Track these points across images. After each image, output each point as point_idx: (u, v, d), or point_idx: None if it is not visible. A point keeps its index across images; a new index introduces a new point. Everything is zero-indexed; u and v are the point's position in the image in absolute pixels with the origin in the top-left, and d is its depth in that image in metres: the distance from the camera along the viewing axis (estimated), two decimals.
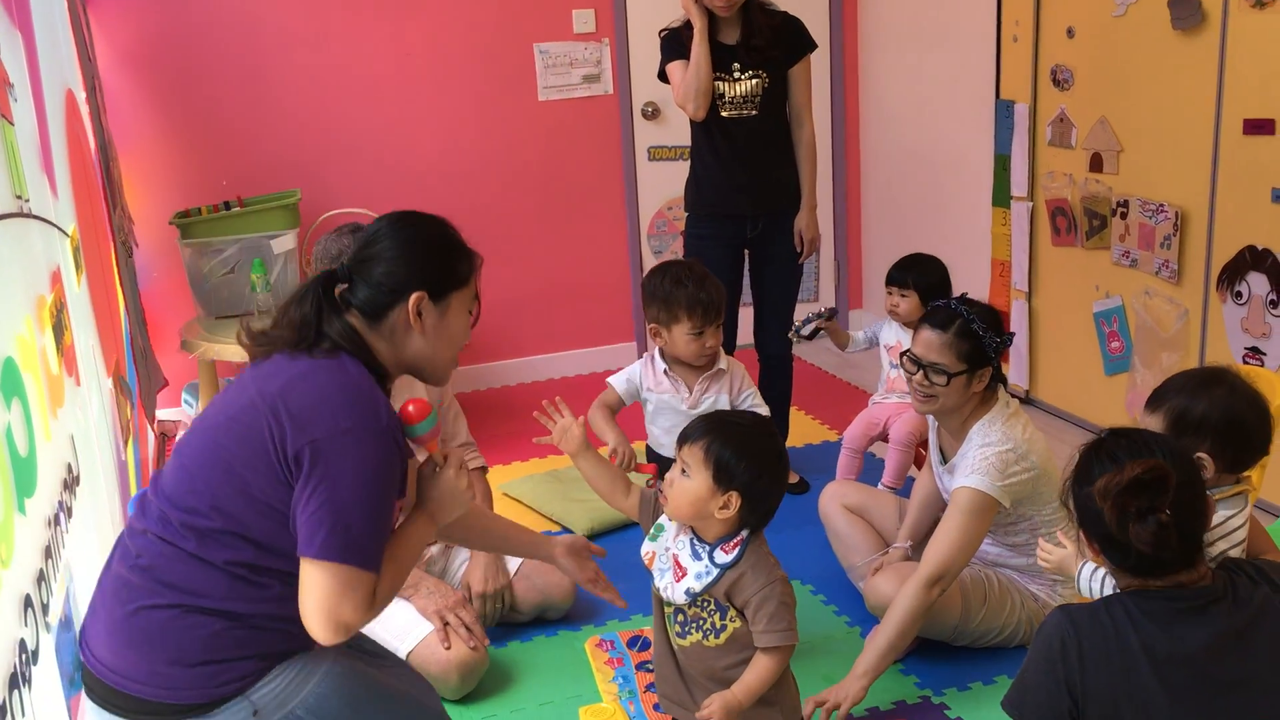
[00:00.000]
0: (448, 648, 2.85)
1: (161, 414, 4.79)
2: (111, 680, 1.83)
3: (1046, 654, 1.86)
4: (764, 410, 3.12)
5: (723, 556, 2.21)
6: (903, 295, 3.68)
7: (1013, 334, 2.91)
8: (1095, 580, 2.16)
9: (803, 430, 4.54)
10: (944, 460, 2.98)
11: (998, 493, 2.73)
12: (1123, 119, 4.02)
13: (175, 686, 1.83)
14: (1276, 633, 1.84)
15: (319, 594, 1.79)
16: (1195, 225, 3.77)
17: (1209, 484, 2.18)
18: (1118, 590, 1.92)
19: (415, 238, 2.03)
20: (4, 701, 1.57)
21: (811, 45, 3.85)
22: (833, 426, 4.57)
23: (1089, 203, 4.20)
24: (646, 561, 2.31)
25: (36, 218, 2.37)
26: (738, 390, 3.18)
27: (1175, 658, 1.80)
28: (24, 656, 1.66)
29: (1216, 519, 2.15)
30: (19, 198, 2.19)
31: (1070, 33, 4.18)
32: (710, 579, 2.20)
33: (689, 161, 3.99)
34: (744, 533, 2.22)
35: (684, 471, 2.20)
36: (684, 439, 2.22)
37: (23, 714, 1.61)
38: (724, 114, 3.78)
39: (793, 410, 4.30)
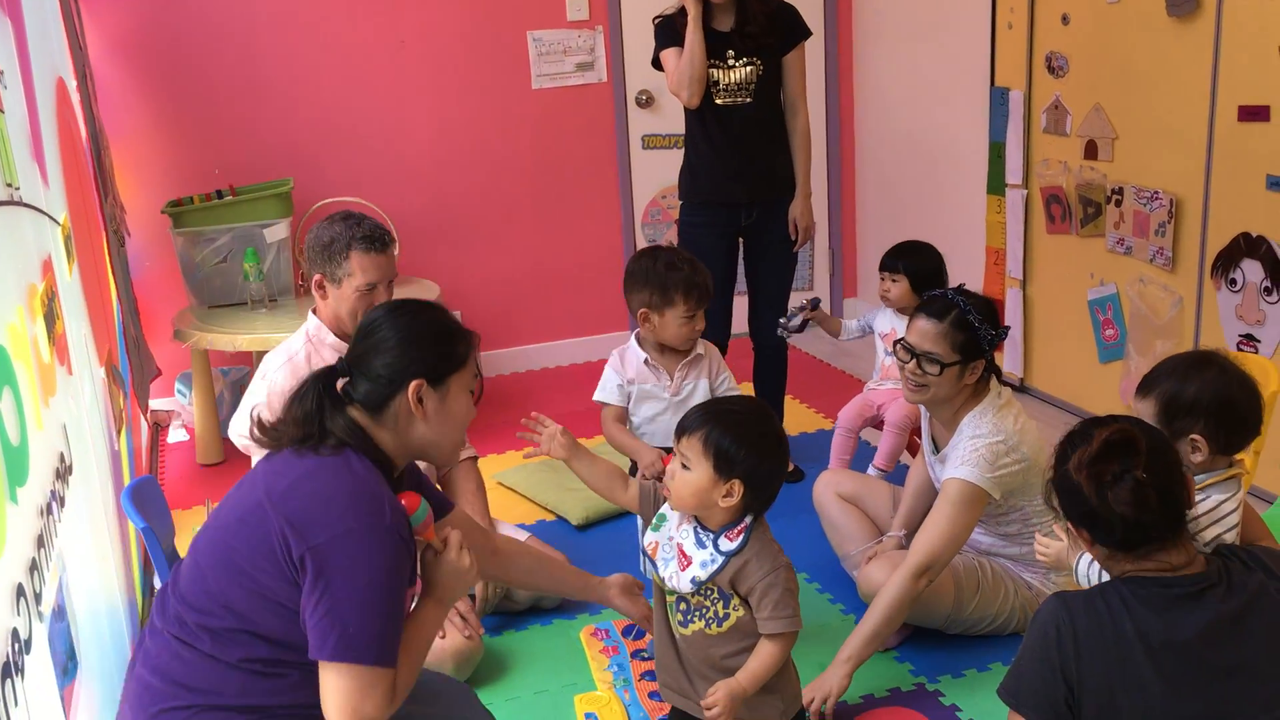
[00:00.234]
0: (443, 637, 2.85)
1: (155, 403, 4.78)
2: None
3: (1042, 641, 1.87)
4: (738, 392, 3.16)
5: (727, 544, 2.21)
6: (893, 280, 3.68)
7: (1008, 327, 2.90)
8: (1093, 571, 2.16)
9: (798, 419, 4.54)
10: (936, 450, 2.98)
11: (987, 484, 2.73)
12: (1117, 106, 4.01)
13: None
14: (1271, 619, 1.84)
15: (339, 697, 1.82)
16: (1190, 212, 3.77)
17: (1203, 467, 2.19)
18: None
19: (409, 326, 2.04)
20: None
21: (806, 32, 3.84)
22: (828, 415, 4.57)
23: (1084, 190, 4.20)
24: (650, 551, 2.31)
25: (27, 206, 2.35)
26: (715, 373, 3.19)
27: (1170, 644, 1.80)
28: (17, 646, 1.66)
29: (1209, 504, 2.15)
30: (10, 186, 2.18)
31: (1065, 20, 4.17)
32: (715, 567, 2.20)
33: (683, 150, 3.98)
34: (747, 519, 2.22)
35: (684, 464, 2.19)
36: (681, 431, 2.21)
37: (15, 703, 1.60)
38: (718, 101, 3.77)
39: (787, 399, 4.30)
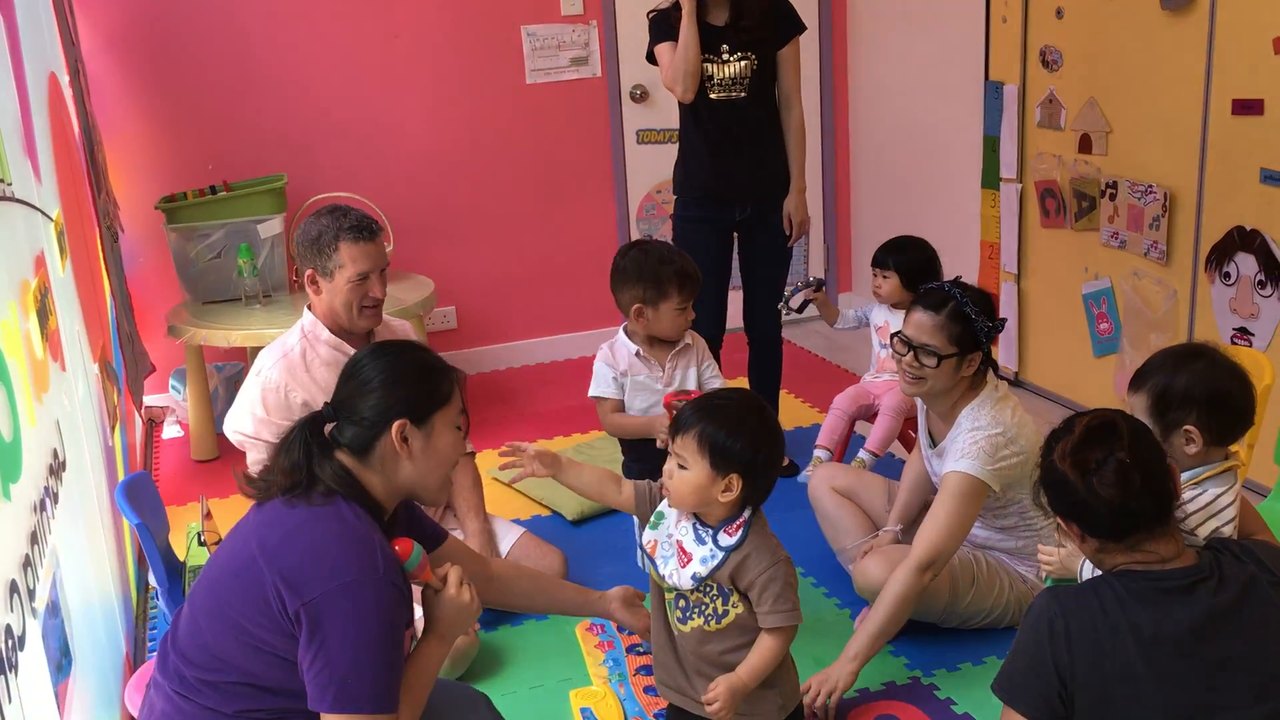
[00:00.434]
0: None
1: (149, 399, 4.77)
2: None
3: (1034, 636, 1.88)
4: (720, 381, 3.18)
5: (727, 539, 2.21)
6: (884, 277, 3.68)
7: (1004, 320, 2.90)
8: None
9: (792, 413, 4.54)
10: (933, 444, 2.98)
11: (987, 476, 2.73)
12: (1112, 100, 4.01)
13: None
14: (1262, 611, 1.85)
15: None
16: (1184, 206, 3.78)
17: (1198, 460, 2.19)
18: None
19: (391, 367, 2.05)
20: None
21: (800, 27, 3.84)
22: (823, 409, 4.56)
23: (1078, 184, 4.20)
24: (649, 550, 2.31)
25: (20, 201, 2.35)
26: (701, 362, 3.19)
27: (1162, 637, 1.81)
28: (10, 642, 1.66)
29: (1207, 497, 2.16)
30: (2, 181, 2.17)
31: (1059, 13, 4.17)
32: (716, 562, 2.20)
33: (678, 144, 3.98)
34: (746, 514, 2.22)
35: (681, 464, 2.19)
36: (675, 431, 2.21)
37: (9, 700, 1.60)
38: (713, 96, 3.76)
39: (782, 393, 4.30)
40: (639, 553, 3.10)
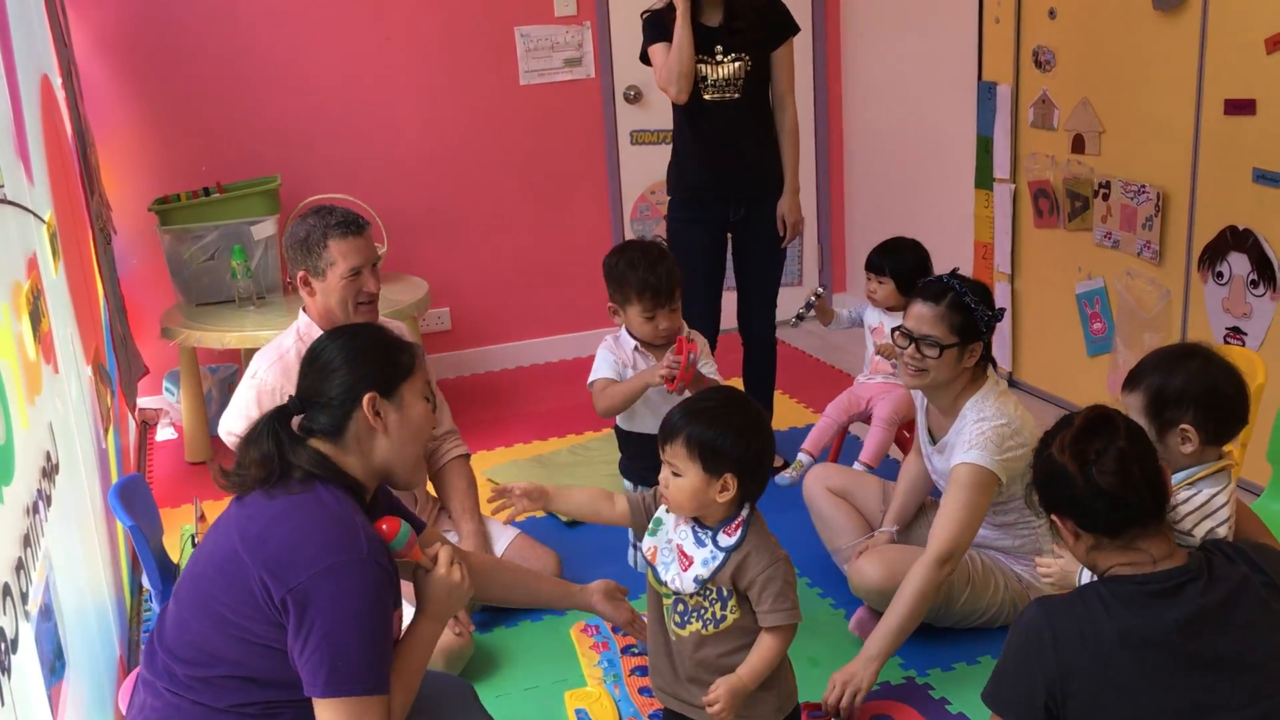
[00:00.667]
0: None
1: (142, 402, 4.77)
2: None
3: (1022, 648, 1.89)
4: (718, 379, 3.11)
5: (726, 540, 2.21)
6: (880, 282, 3.68)
7: (1003, 309, 2.91)
8: None
9: (786, 413, 4.54)
10: (933, 441, 2.98)
11: (996, 467, 2.73)
12: (1104, 100, 4.02)
13: None
14: (1253, 611, 1.85)
15: None
16: (1177, 206, 3.78)
17: (1193, 459, 2.19)
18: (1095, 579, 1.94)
19: (349, 345, 2.04)
20: None
21: (794, 28, 3.84)
22: (817, 410, 4.57)
23: (1071, 184, 4.21)
24: (649, 557, 2.30)
25: (12, 204, 2.34)
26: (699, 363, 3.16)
27: (1150, 639, 1.81)
28: (3, 645, 1.65)
29: (1201, 498, 2.16)
30: None
31: (1052, 14, 4.18)
32: (717, 563, 2.20)
33: (671, 145, 3.98)
34: (744, 513, 2.22)
35: (674, 472, 2.19)
36: (664, 439, 2.21)
37: (2, 703, 1.60)
38: (706, 97, 3.76)
39: (776, 394, 4.30)
40: (631, 552, 3.10)
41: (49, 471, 2.24)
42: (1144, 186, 3.88)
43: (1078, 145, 4.16)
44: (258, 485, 1.95)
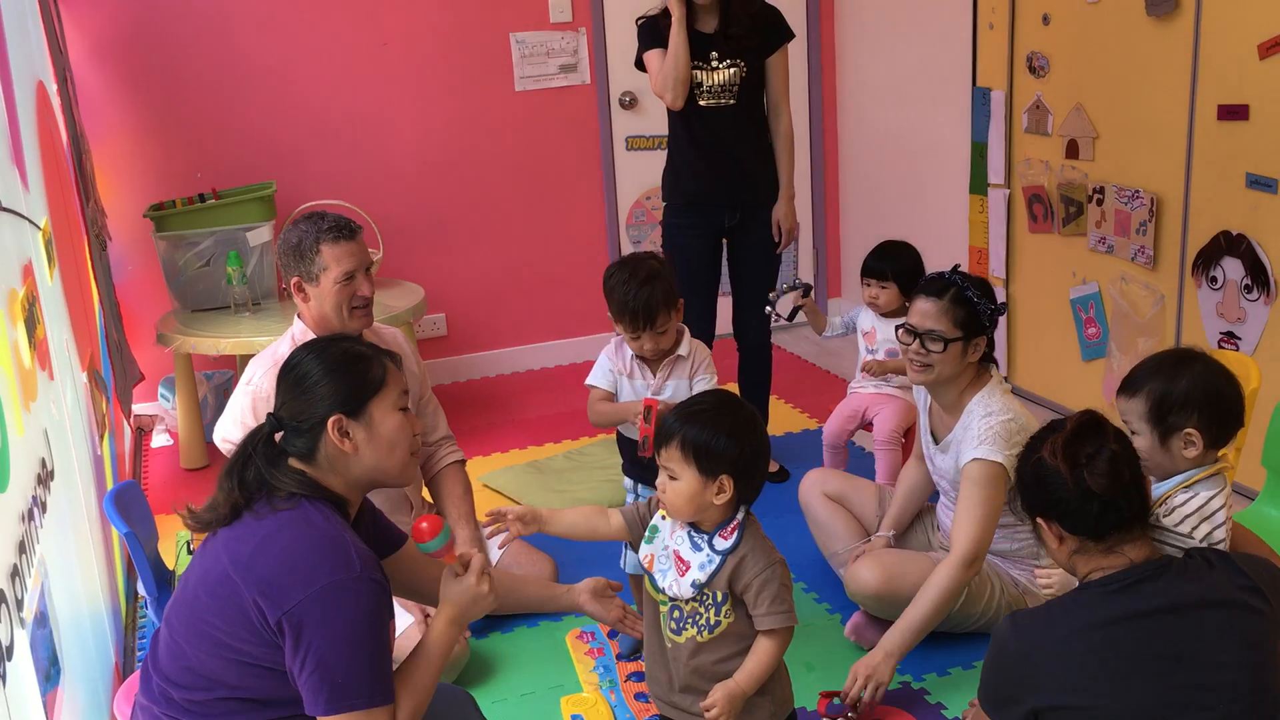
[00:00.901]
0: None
1: (138, 408, 4.76)
2: None
3: (996, 663, 1.94)
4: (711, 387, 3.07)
5: (722, 543, 2.21)
6: (882, 287, 3.66)
7: (1005, 304, 2.92)
8: None
9: (782, 419, 4.55)
10: (935, 441, 2.98)
11: (1007, 461, 2.72)
12: (1098, 106, 4.03)
13: None
14: (1225, 611, 1.85)
15: None
16: (1170, 211, 3.79)
17: (1194, 463, 2.20)
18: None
19: (315, 365, 2.01)
20: None
21: (789, 34, 3.85)
22: (812, 415, 4.58)
23: (1065, 189, 4.21)
24: (646, 564, 2.30)
25: (7, 210, 2.34)
26: (694, 373, 3.13)
27: (1109, 631, 1.83)
28: None
29: (1198, 501, 2.16)
30: None
31: (1046, 20, 4.19)
32: (714, 567, 2.20)
33: (667, 151, 3.98)
34: (740, 515, 2.22)
35: (670, 476, 2.19)
36: (659, 444, 2.21)
37: None
38: (702, 103, 3.77)
39: (772, 399, 4.31)
40: (623, 553, 3.09)
41: (44, 478, 2.24)
42: (1138, 191, 3.89)
43: (1072, 150, 4.17)
44: (231, 521, 1.94)
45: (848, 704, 2.68)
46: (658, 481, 2.23)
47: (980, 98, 4.54)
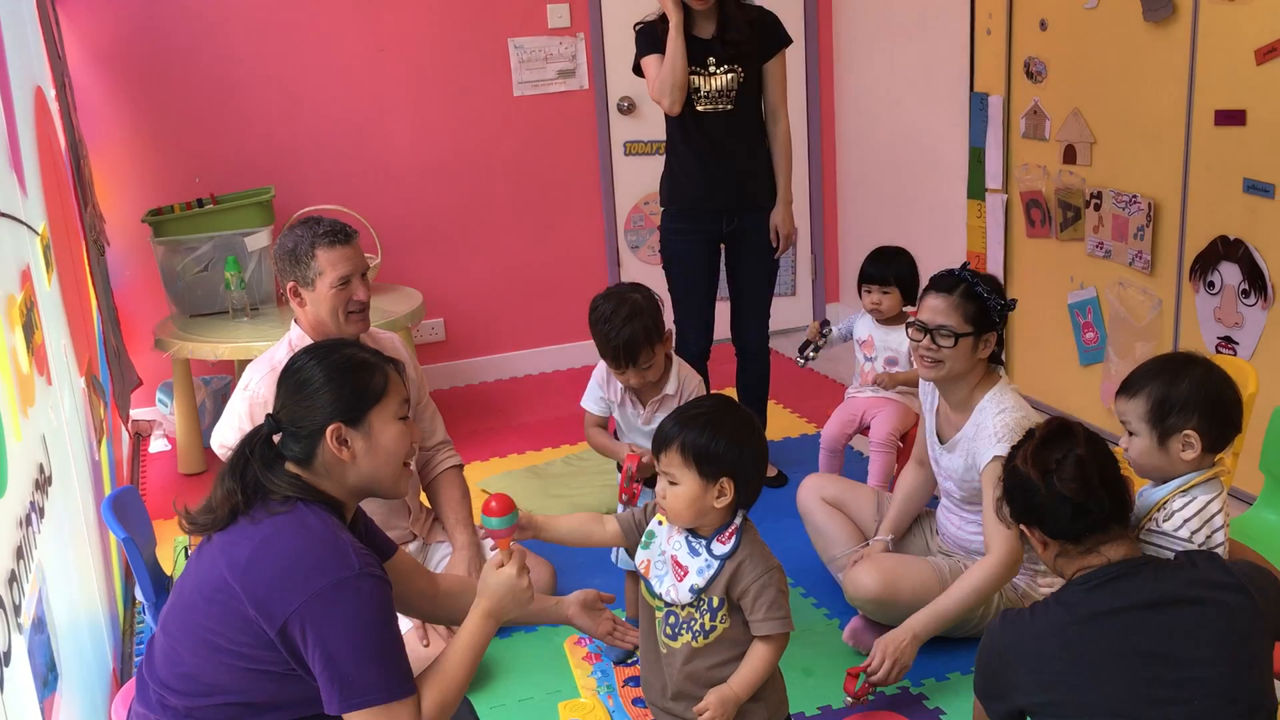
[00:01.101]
0: (425, 644, 2.85)
1: (135, 413, 4.76)
2: None
3: (984, 662, 1.98)
4: None
5: (720, 548, 2.21)
6: (884, 293, 3.65)
7: (1015, 300, 2.92)
8: None
9: (780, 424, 4.55)
10: (941, 441, 2.97)
11: None
12: (1096, 111, 4.04)
13: None
14: (1202, 610, 1.87)
15: None
16: (1168, 216, 3.80)
17: (1192, 466, 2.20)
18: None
19: (318, 371, 2.00)
20: None
21: (787, 40, 3.85)
22: (810, 420, 4.58)
23: (1063, 194, 4.22)
24: (643, 570, 2.30)
25: (6, 216, 2.34)
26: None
27: (1085, 635, 1.87)
28: None
29: (1196, 505, 2.16)
30: None
31: (1043, 25, 4.20)
32: (713, 571, 2.20)
33: (665, 156, 3.99)
34: (737, 520, 2.22)
35: (670, 481, 2.19)
36: (658, 449, 2.21)
37: None
38: (699, 108, 3.78)
39: (770, 404, 4.31)
40: (614, 550, 3.07)
41: (42, 483, 2.24)
42: (1135, 197, 3.90)
43: (1069, 156, 4.17)
44: (227, 525, 1.93)
45: (870, 682, 2.69)
46: (657, 487, 2.23)
47: (978, 103, 4.55)
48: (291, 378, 2.01)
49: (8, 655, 1.72)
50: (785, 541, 3.47)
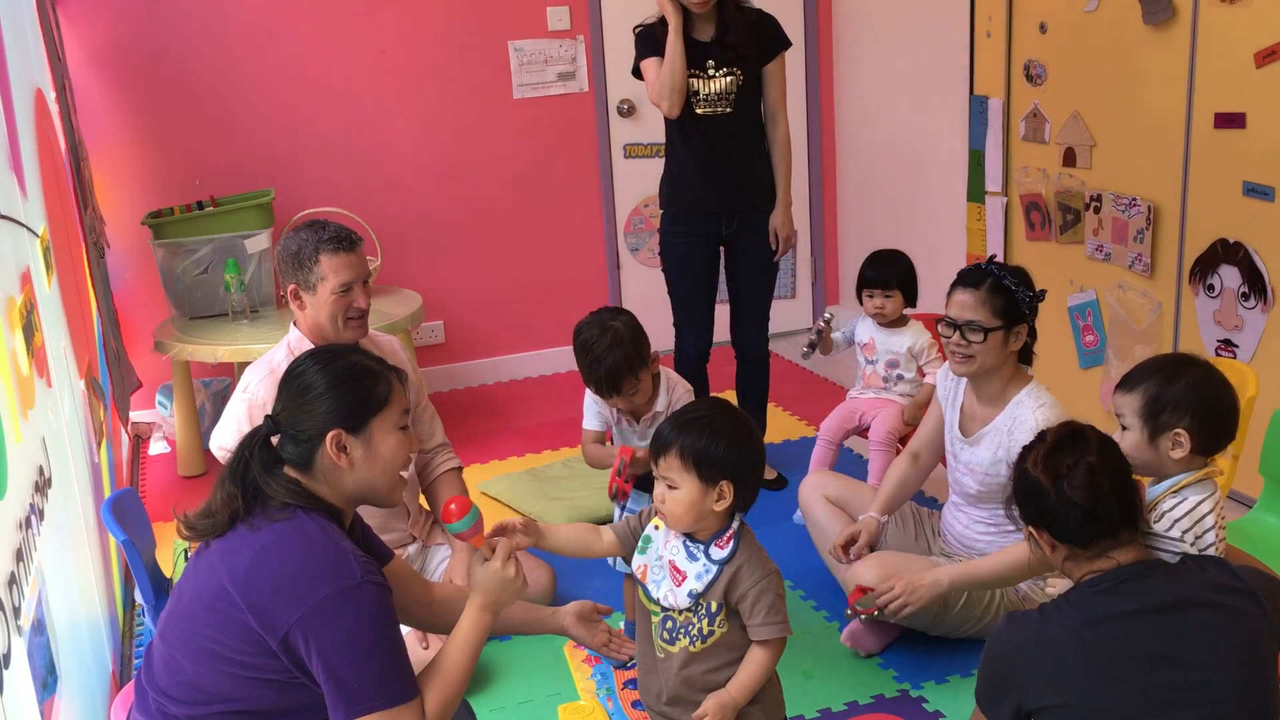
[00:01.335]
0: (425, 647, 2.84)
1: (135, 415, 4.76)
2: None
3: (990, 661, 1.97)
4: None
5: (719, 552, 2.20)
6: (887, 296, 3.63)
7: (1044, 291, 2.90)
8: None
9: (780, 426, 4.55)
10: (963, 436, 2.94)
11: None
12: (1095, 114, 4.04)
13: None
14: (1211, 613, 1.87)
15: None
16: (1167, 219, 3.80)
17: (1180, 466, 2.21)
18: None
19: (321, 377, 1.99)
20: None
21: (786, 43, 3.86)
22: (810, 422, 4.58)
23: (1062, 197, 4.22)
24: (639, 575, 2.30)
25: (6, 218, 2.35)
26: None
27: (1096, 630, 1.86)
28: None
29: (1186, 505, 2.17)
30: None
31: (1043, 28, 4.20)
32: (711, 576, 2.20)
33: (664, 159, 3.99)
34: (735, 524, 2.22)
35: (669, 485, 2.18)
36: (656, 454, 2.20)
37: None
38: (699, 111, 3.78)
39: (770, 407, 4.31)
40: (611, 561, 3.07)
41: (42, 486, 2.24)
42: (1135, 199, 3.90)
43: (1069, 158, 4.17)
44: (227, 530, 1.93)
45: (876, 603, 2.71)
46: (655, 492, 2.22)
47: (978, 106, 4.55)
48: (294, 382, 2.01)
49: (7, 657, 1.72)
50: (784, 544, 3.49)
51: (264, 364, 3.01)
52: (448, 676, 1.96)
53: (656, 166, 4.12)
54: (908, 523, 3.20)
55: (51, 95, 3.68)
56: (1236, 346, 3.58)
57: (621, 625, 3.13)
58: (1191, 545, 2.14)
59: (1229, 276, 3.58)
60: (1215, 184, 3.60)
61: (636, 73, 3.88)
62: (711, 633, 2.22)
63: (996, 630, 1.97)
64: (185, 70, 4.67)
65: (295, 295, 2.96)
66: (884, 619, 2.78)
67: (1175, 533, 2.14)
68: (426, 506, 3.35)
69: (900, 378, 3.68)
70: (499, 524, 2.37)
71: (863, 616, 2.79)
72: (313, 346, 2.94)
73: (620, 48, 4.80)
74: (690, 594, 2.21)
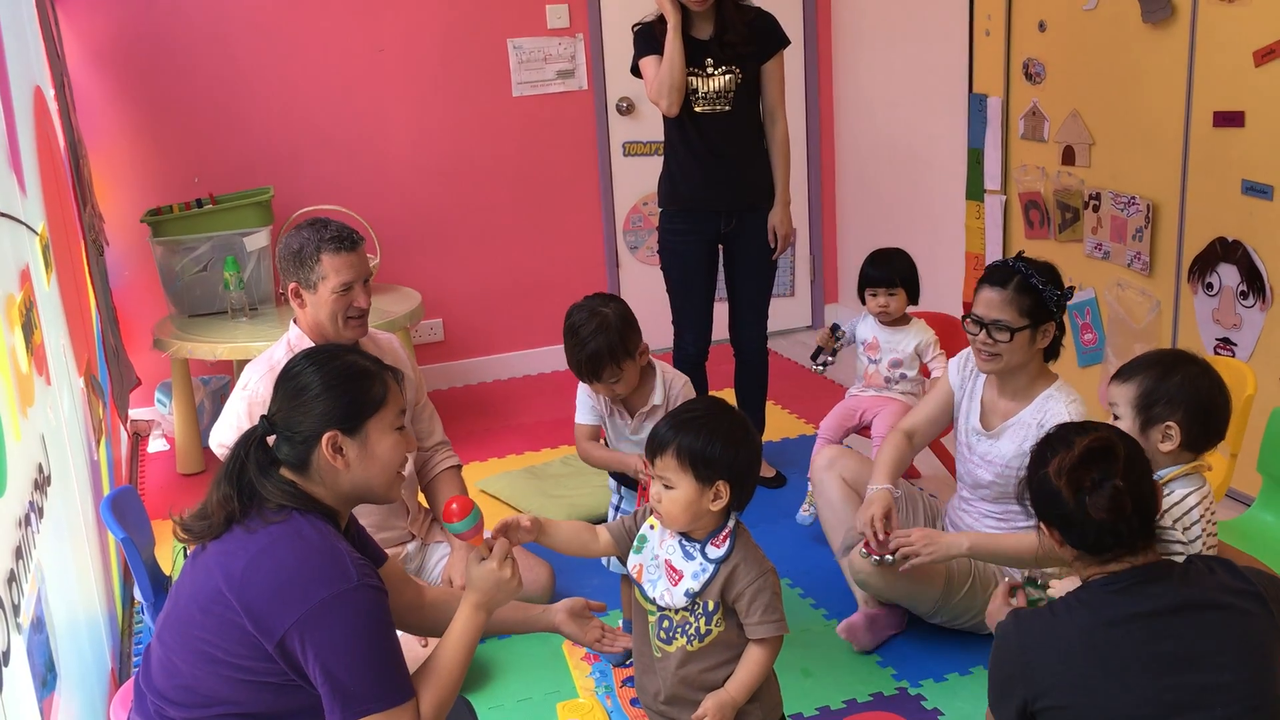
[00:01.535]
0: (424, 645, 2.84)
1: (134, 413, 4.76)
2: None
3: (998, 658, 1.95)
4: None
5: (715, 551, 2.20)
6: (890, 294, 3.62)
7: (1073, 288, 2.88)
8: None
9: (779, 425, 4.55)
10: (984, 429, 2.92)
11: None
12: (1094, 112, 4.04)
13: None
14: (1224, 615, 1.86)
15: None
16: (1166, 217, 3.80)
17: (1169, 460, 2.22)
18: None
19: (317, 377, 1.99)
20: None
21: (785, 41, 3.86)
22: (809, 420, 4.58)
23: (1061, 195, 4.22)
24: (635, 575, 2.30)
25: (5, 215, 2.34)
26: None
27: (1110, 633, 1.84)
28: None
29: (1174, 498, 2.19)
30: None
31: (1042, 26, 4.20)
32: (708, 575, 2.19)
33: (663, 157, 3.99)
34: (730, 523, 2.22)
35: (666, 485, 2.18)
36: (652, 454, 2.20)
37: None
38: (697, 109, 3.78)
39: (769, 405, 4.31)
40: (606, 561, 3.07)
41: (41, 483, 2.24)
42: (1134, 198, 3.90)
43: (1068, 157, 4.18)
44: (223, 532, 1.93)
45: (898, 545, 2.73)
46: (651, 492, 2.22)
47: (977, 104, 4.55)
48: (289, 382, 2.00)
49: (7, 655, 1.72)
50: (783, 543, 3.49)
51: (264, 361, 3.01)
52: (442, 676, 1.97)
53: (655, 165, 4.12)
54: (918, 509, 3.16)
55: (50, 93, 3.68)
56: (1235, 345, 3.59)
57: (620, 624, 3.13)
58: (1183, 535, 2.16)
59: (1228, 275, 3.59)
60: (1214, 182, 3.60)
61: (635, 71, 3.88)
62: (709, 632, 2.22)
63: (1004, 630, 1.95)
64: (184, 68, 4.67)
65: (296, 293, 2.96)
66: (891, 564, 2.75)
67: (1165, 522, 2.15)
68: (425, 504, 3.35)
69: (903, 376, 3.68)
70: (504, 521, 2.38)
71: (875, 559, 2.77)
72: (312, 345, 2.95)
73: (619, 46, 4.80)
74: (687, 593, 2.21)
